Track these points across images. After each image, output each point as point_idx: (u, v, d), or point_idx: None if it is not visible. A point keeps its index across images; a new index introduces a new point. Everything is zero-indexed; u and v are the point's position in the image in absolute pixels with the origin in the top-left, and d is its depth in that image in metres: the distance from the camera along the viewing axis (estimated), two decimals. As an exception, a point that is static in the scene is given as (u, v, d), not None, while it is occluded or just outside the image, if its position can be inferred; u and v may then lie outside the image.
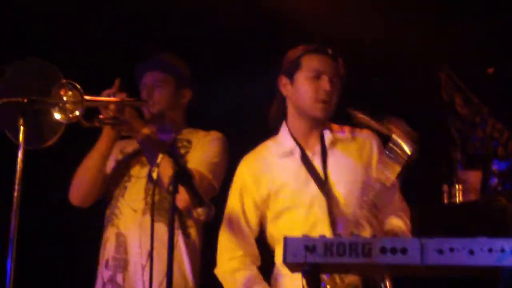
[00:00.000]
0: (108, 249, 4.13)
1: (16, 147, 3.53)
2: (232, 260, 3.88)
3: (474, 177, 5.13)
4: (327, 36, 4.75)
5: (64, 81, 3.74)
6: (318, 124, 3.92)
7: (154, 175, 3.47)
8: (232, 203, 3.95)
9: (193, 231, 4.14)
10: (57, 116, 3.71)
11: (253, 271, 3.87)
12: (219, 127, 4.31)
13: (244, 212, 3.91)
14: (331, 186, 3.82)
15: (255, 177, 3.91)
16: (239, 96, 5.18)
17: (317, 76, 3.83)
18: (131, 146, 4.25)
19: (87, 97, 3.78)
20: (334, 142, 3.91)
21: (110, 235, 4.15)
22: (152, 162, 3.99)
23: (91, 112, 3.95)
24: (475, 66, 5.29)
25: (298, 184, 3.84)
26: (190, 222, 4.13)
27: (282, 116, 3.98)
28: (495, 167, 5.14)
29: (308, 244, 3.02)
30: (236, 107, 5.16)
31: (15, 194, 3.47)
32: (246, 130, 5.03)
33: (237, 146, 4.24)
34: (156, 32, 5.28)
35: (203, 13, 5.22)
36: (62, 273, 5.27)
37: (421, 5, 5.21)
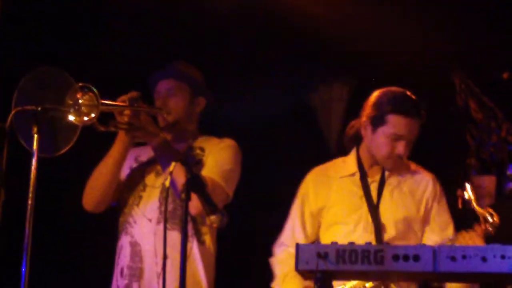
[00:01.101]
0: (123, 258, 4.13)
1: (30, 155, 3.55)
2: (284, 252, 4.14)
3: (488, 182, 5.12)
4: (339, 42, 4.77)
5: (80, 84, 3.75)
6: None
7: (167, 183, 3.47)
8: (295, 207, 4.21)
9: (207, 238, 4.14)
10: (72, 118, 3.72)
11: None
12: (232, 135, 4.31)
13: (302, 217, 4.17)
14: (380, 212, 4.06)
15: (316, 189, 4.19)
16: (252, 103, 5.18)
17: (396, 139, 4.02)
18: (146, 154, 4.25)
19: (103, 101, 3.79)
20: (392, 177, 4.14)
21: (124, 243, 4.15)
22: (165, 170, 4.00)
23: (106, 117, 3.96)
24: (490, 71, 5.27)
25: (350, 204, 4.10)
26: (204, 229, 4.13)
27: (355, 141, 4.21)
28: (510, 172, 5.13)
29: (320, 251, 3.02)
30: (248, 114, 5.16)
31: (29, 201, 3.50)
32: (259, 137, 5.04)
33: (250, 154, 4.26)
34: (170, 38, 5.29)
35: (218, 20, 5.23)
36: (76, 281, 5.28)
37: (435, 10, 5.20)
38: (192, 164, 4.06)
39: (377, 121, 4.02)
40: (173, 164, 3.50)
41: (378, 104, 4.05)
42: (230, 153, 4.22)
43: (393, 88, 4.10)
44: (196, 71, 4.36)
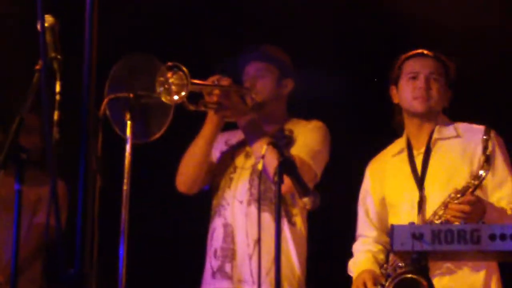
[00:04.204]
0: (216, 239, 4.19)
1: (122, 141, 3.62)
2: (358, 239, 4.10)
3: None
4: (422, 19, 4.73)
5: (170, 63, 3.80)
6: (427, 121, 4.00)
7: (259, 166, 3.50)
8: (359, 202, 4.13)
9: (298, 220, 4.17)
10: (162, 97, 3.77)
11: (366, 254, 3.97)
12: (319, 117, 4.32)
13: (367, 213, 4.09)
14: (425, 185, 3.90)
15: (373, 177, 4.11)
16: (339, 86, 5.16)
17: (414, 77, 3.99)
18: (235, 138, 4.30)
19: (193, 80, 3.84)
20: (438, 140, 3.97)
21: (217, 225, 4.21)
22: (254, 149, 4.06)
23: (195, 98, 4.00)
24: None
25: (401, 182, 3.98)
26: (295, 211, 4.16)
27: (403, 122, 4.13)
28: None
29: (415, 232, 3.02)
30: (335, 97, 5.14)
31: (125, 187, 3.57)
32: (345, 119, 5.02)
33: (337, 136, 4.27)
34: (256, 21, 5.31)
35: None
36: (171, 262, 5.37)
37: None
38: (283, 146, 4.09)
39: (396, 77, 4.04)
40: (264, 147, 3.54)
41: (393, 67, 4.08)
42: (318, 134, 4.24)
43: None
44: (284, 54, 4.39)
